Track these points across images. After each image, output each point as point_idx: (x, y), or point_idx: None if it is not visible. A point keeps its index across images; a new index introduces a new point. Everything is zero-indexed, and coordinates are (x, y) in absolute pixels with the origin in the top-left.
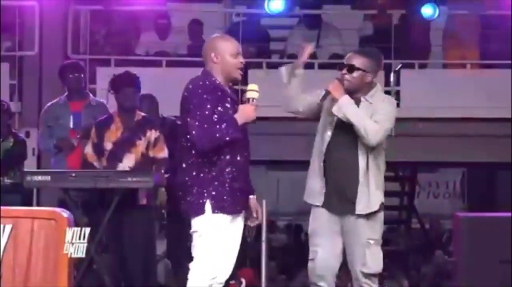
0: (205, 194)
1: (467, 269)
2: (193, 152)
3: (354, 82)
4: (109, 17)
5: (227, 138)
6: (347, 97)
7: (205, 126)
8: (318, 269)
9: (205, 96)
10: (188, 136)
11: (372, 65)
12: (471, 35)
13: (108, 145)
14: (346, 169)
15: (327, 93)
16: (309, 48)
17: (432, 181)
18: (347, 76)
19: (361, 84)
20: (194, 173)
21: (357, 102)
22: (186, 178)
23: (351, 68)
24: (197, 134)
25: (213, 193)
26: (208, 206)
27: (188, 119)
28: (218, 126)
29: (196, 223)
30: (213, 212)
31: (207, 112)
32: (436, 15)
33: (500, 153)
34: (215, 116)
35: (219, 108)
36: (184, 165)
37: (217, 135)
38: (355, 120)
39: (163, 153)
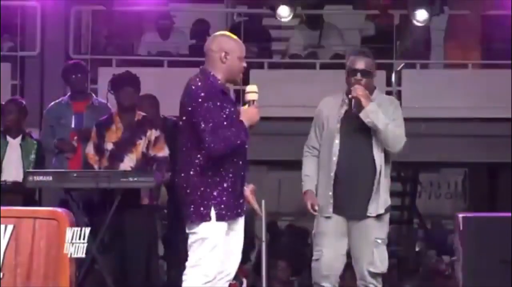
0: (210, 200)
1: (467, 269)
2: (197, 155)
3: (368, 86)
4: (111, 17)
5: (239, 142)
6: (374, 103)
7: (218, 131)
8: (323, 269)
9: (210, 99)
10: (187, 139)
11: (374, 65)
12: (472, 35)
13: (109, 145)
14: (361, 175)
15: (354, 100)
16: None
17: (434, 181)
18: (362, 82)
19: (371, 87)
20: (197, 178)
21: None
22: (189, 182)
23: (366, 74)
24: (210, 140)
25: (218, 199)
26: (213, 213)
27: (197, 123)
28: (229, 131)
29: (200, 228)
30: (217, 219)
31: (216, 116)
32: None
33: (500, 153)
34: (225, 120)
35: (225, 111)
36: (186, 169)
37: (230, 140)
38: (383, 127)
39: (164, 152)
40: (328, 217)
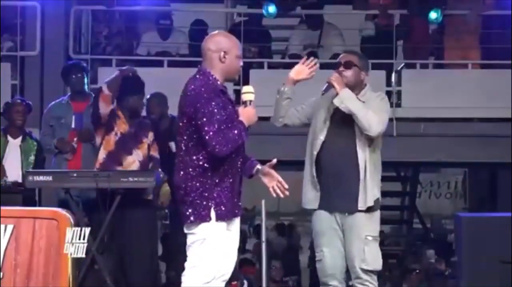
0: (210, 201)
1: (467, 269)
2: (197, 156)
3: (350, 78)
4: (111, 17)
5: (240, 142)
6: (348, 89)
7: (222, 133)
8: (327, 268)
9: (212, 100)
10: (187, 139)
11: (364, 63)
12: (471, 35)
13: (118, 133)
14: (346, 168)
15: (330, 85)
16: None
17: (434, 181)
18: (344, 73)
19: (357, 81)
20: (197, 178)
21: None
22: (189, 183)
23: (348, 65)
24: (216, 142)
25: (217, 199)
26: (213, 213)
27: (201, 124)
28: (232, 131)
29: (200, 229)
30: (217, 219)
31: (220, 118)
32: (440, 18)
33: (500, 153)
34: (226, 120)
35: (226, 111)
36: (185, 170)
37: (234, 139)
38: (357, 111)
39: (157, 153)
40: (314, 211)
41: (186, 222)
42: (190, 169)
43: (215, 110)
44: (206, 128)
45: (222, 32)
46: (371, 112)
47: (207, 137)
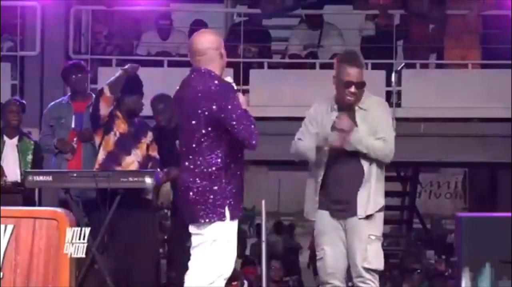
0: (224, 201)
1: (467, 269)
2: (211, 155)
3: (360, 95)
4: (111, 17)
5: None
6: (357, 130)
7: (250, 125)
8: (328, 267)
9: (232, 95)
10: (201, 139)
11: (363, 70)
12: (471, 35)
13: (117, 133)
14: (350, 177)
15: (338, 129)
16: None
17: (434, 181)
18: (356, 92)
19: (362, 94)
20: (211, 177)
21: (353, 112)
22: (202, 182)
23: (361, 85)
24: (251, 137)
25: (231, 199)
26: (227, 212)
27: (230, 122)
28: (252, 123)
29: (212, 228)
30: (231, 218)
31: (240, 111)
32: None
33: (500, 153)
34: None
35: None
36: (196, 169)
37: (256, 129)
38: (367, 150)
39: (156, 152)
40: (320, 209)
41: (198, 221)
42: (203, 169)
43: (238, 107)
44: (236, 127)
45: (209, 31)
46: (381, 145)
47: (240, 135)
